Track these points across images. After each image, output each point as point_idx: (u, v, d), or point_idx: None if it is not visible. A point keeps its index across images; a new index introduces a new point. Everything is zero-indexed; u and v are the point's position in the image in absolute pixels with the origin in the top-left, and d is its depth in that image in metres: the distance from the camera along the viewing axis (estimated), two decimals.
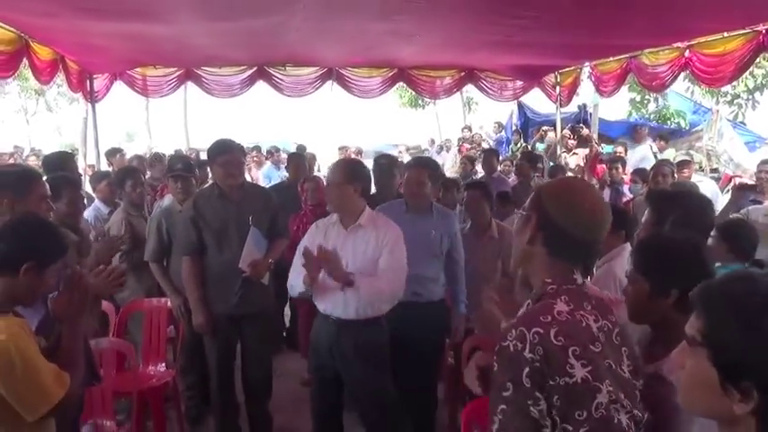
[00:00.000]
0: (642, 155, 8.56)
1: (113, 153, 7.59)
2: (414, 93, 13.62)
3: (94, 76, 7.49)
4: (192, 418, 4.11)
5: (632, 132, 8.63)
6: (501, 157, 8.37)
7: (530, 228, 1.44)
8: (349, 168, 3.09)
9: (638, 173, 5.96)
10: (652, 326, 1.79)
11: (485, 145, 12.78)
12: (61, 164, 4.42)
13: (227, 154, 3.51)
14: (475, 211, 4.06)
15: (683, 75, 6.67)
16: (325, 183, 5.28)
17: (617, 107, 13.87)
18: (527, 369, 1.25)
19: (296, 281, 3.05)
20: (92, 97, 7.55)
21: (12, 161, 9.67)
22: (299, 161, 6.02)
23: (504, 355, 1.29)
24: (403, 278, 2.98)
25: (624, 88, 7.97)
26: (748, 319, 0.95)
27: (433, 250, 3.48)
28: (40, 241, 1.88)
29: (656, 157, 8.45)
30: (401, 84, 8.62)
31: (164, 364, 3.97)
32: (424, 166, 3.60)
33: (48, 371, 1.78)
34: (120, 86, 7.88)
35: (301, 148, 10.72)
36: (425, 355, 3.53)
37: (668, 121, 12.20)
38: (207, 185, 4.32)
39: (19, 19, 4.91)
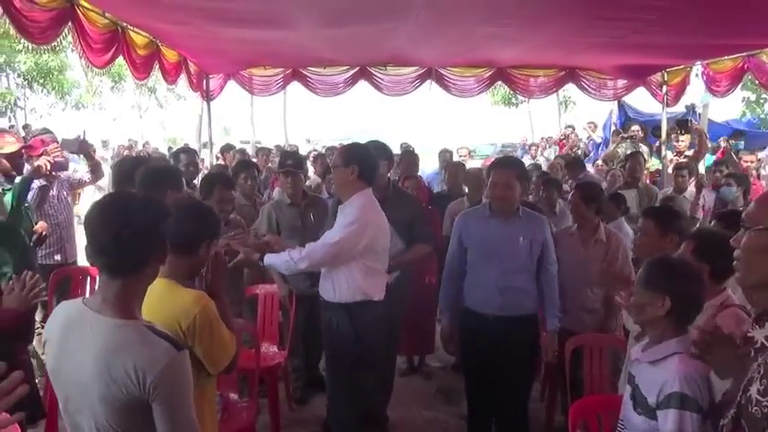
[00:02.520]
0: None
1: (228, 149, 8.13)
2: (508, 91, 13.49)
3: (210, 76, 7.98)
4: (297, 398, 4.38)
5: None
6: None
7: None
8: (347, 151, 3.12)
9: (733, 176, 5.65)
10: None
11: (581, 145, 12.48)
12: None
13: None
14: (575, 213, 3.87)
15: None
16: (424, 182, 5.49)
17: (728, 107, 13.05)
18: None
19: None
20: (207, 96, 8.05)
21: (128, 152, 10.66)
22: (411, 159, 6.03)
23: None
24: (329, 251, 2.99)
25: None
26: None
27: (520, 260, 3.19)
28: (211, 223, 2.15)
29: None
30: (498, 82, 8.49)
31: (275, 346, 4.22)
32: (512, 166, 3.30)
33: (226, 331, 2.03)
34: (231, 85, 8.33)
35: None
36: (514, 373, 3.25)
37: None
38: None
39: (153, 25, 5.39)
